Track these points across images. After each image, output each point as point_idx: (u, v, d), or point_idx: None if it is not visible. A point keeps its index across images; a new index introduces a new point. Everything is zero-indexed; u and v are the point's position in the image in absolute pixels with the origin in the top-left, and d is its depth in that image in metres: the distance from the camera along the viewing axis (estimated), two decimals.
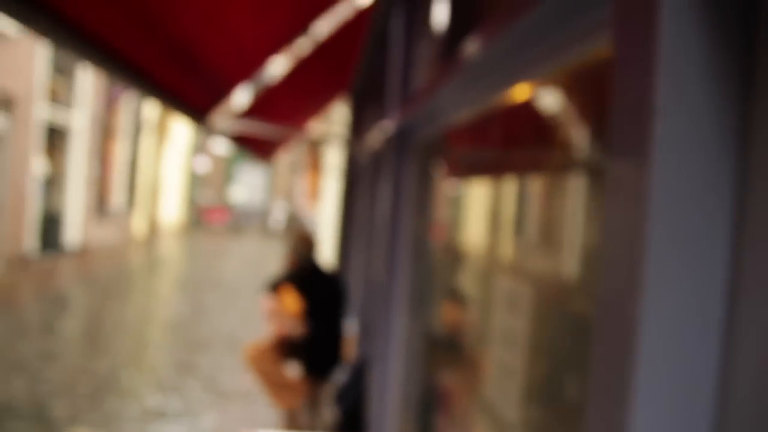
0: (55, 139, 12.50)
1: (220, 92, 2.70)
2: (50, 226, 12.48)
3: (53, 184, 12.64)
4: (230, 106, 3.02)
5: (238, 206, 24.13)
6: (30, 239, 11.48)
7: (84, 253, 13.36)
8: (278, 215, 22.18)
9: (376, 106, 3.63)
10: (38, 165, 11.64)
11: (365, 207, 3.94)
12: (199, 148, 23.41)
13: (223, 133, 3.26)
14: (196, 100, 2.55)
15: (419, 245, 2.36)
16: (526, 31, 0.95)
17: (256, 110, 3.44)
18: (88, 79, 13.36)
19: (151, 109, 17.64)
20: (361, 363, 3.22)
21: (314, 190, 17.28)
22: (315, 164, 17.10)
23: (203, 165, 23.81)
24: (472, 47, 1.19)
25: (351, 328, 4.20)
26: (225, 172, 24.85)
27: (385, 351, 2.38)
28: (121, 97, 15.22)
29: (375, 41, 3.62)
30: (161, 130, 19.05)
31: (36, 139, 11.39)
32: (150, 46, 1.74)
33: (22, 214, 11.12)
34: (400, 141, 2.37)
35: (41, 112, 11.55)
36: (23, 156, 11.00)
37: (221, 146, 23.54)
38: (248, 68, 2.65)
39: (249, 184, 24.97)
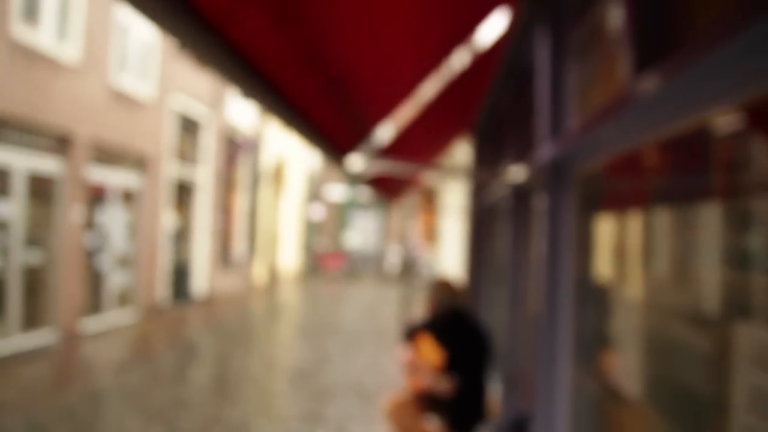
0: (183, 194, 13.29)
1: (361, 131, 2.66)
2: (180, 277, 13.17)
3: (181, 236, 13.39)
4: (367, 146, 2.97)
5: (353, 252, 24.51)
6: (162, 289, 12.14)
7: (210, 301, 13.96)
8: (393, 259, 22.28)
9: (512, 140, 3.48)
10: (168, 219, 12.38)
11: (505, 246, 3.74)
12: (313, 196, 24.13)
13: (359, 174, 3.22)
14: (338, 139, 2.52)
15: (582, 286, 2.14)
16: (719, 64, 0.95)
17: (388, 150, 3.38)
18: (210, 137, 14.18)
19: (268, 160, 18.43)
20: (512, 420, 2.98)
21: (429, 232, 17.20)
22: (429, 206, 17.06)
23: (318, 212, 24.48)
24: (651, 80, 1.16)
25: (494, 380, 3.95)
26: (339, 219, 25.41)
27: (550, 407, 2.16)
28: (240, 154, 16.03)
29: (507, 73, 3.48)
30: (278, 180, 19.84)
31: (166, 195, 12.15)
32: (306, 78, 1.71)
33: (155, 266, 11.80)
34: (554, 175, 2.19)
35: (170, 169, 12.33)
36: (155, 211, 11.74)
37: (335, 193, 24.15)
38: (388, 106, 2.59)
39: (363, 229, 25.36)
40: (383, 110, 2.63)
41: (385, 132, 3.07)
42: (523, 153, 3.14)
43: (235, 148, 15.80)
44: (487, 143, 4.86)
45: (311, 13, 1.37)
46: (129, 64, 10.85)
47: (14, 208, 8.21)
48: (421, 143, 4.38)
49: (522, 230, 3.30)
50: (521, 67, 3.15)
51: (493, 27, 2.70)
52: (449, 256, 8.88)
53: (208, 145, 14.18)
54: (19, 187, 8.27)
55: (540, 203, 2.33)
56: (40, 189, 8.79)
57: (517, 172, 2.94)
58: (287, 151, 20.14)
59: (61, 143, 9.06)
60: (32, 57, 8.25)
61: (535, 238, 2.88)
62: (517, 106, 3.32)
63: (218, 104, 14.35)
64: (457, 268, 7.92)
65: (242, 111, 15.79)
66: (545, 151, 2.21)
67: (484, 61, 3.12)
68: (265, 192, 18.40)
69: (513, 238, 3.34)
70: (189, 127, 13.29)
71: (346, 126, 2.45)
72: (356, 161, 2.80)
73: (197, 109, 13.43)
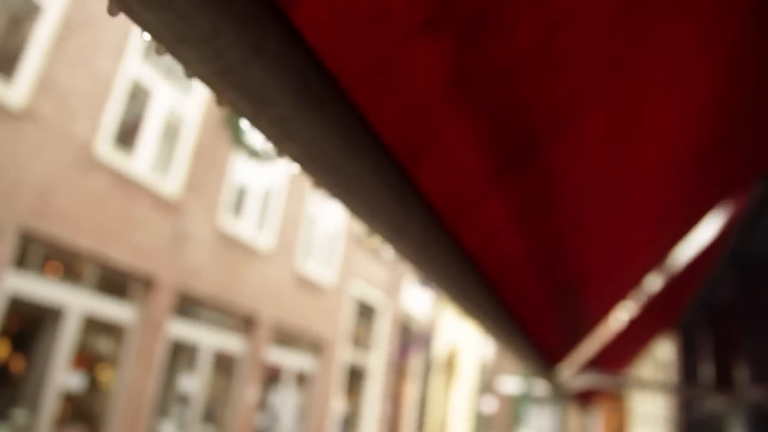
0: (354, 379, 13.07)
1: (572, 342, 2.19)
2: None
3: (349, 422, 12.93)
4: (574, 357, 2.46)
5: None
6: None
7: None
8: None
9: (742, 344, 2.75)
10: (338, 404, 12.08)
11: None
12: (485, 387, 22.82)
13: (565, 387, 2.67)
14: (548, 349, 2.07)
15: None
16: None
17: (590, 361, 2.82)
18: (385, 323, 14.17)
19: (441, 348, 17.93)
20: None
21: None
22: (616, 405, 15.17)
23: (490, 405, 22.93)
24: None
25: None
26: (512, 413, 23.54)
27: None
28: (414, 346, 15.80)
29: (730, 263, 2.87)
30: (449, 369, 19.09)
31: (338, 380, 11.99)
32: (535, 283, 1.36)
33: None
34: None
35: (344, 354, 12.29)
36: (326, 395, 11.53)
37: (508, 385, 22.64)
38: (601, 313, 2.13)
39: (537, 426, 23.15)
40: (595, 318, 2.16)
41: (594, 342, 2.55)
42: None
43: (408, 336, 15.61)
44: (698, 342, 4.05)
45: (555, 214, 1.06)
46: (314, 250, 11.42)
47: (197, 383, 8.42)
48: (620, 348, 3.73)
49: None
50: (751, 256, 2.54)
51: (716, 218, 2.20)
52: None
53: (383, 331, 14.12)
54: (204, 363, 8.54)
55: None
56: (223, 366, 9.02)
57: (756, 391, 2.22)
58: (460, 339, 19.56)
59: (246, 323, 9.42)
60: (233, 244, 8.93)
61: None
62: (747, 301, 2.65)
63: (394, 291, 14.48)
64: None
65: (417, 298, 15.78)
66: None
67: (703, 253, 2.57)
68: (435, 381, 17.67)
69: None
70: (365, 312, 13.42)
71: (559, 336, 2.01)
72: (564, 373, 2.30)
73: (374, 295, 13.62)
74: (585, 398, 4.48)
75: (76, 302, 6.64)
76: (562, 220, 1.17)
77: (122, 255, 7.00)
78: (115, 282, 7.18)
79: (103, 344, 7.15)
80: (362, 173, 0.69)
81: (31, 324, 6.42)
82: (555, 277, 1.46)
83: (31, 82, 6.03)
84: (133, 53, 7.22)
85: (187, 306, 8.32)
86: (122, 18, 7.07)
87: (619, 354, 3.84)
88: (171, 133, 7.97)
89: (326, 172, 0.68)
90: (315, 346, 11.39)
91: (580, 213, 1.21)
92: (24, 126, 5.94)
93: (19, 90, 5.93)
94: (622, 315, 2.51)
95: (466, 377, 20.83)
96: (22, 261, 6.17)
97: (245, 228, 9.35)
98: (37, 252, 6.32)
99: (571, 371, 2.42)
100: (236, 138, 8.77)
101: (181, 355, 8.25)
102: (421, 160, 0.75)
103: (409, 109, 0.68)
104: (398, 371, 15.11)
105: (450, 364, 19.19)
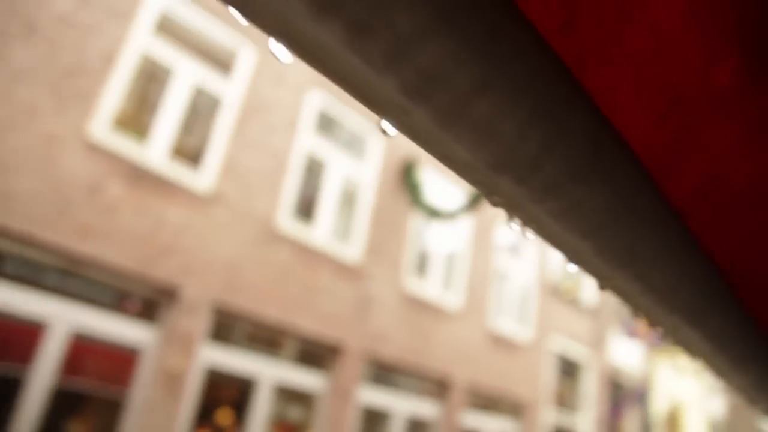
0: None
1: None
2: None
3: None
4: None
5: None
6: None
7: None
8: None
9: None
10: None
11: None
12: None
13: None
14: None
15: None
16: None
17: None
18: (591, 380, 12.54)
19: (659, 405, 15.52)
20: None
21: None
22: None
23: None
24: None
25: None
26: None
27: None
28: (627, 404, 13.81)
29: None
30: (673, 429, 16.45)
31: None
32: None
33: None
34: None
35: (548, 416, 10.98)
36: None
37: None
38: None
39: None
40: None
41: None
42: None
43: (619, 393, 13.68)
44: None
45: None
46: (506, 307, 10.46)
47: None
48: None
49: None
50: None
51: None
52: None
53: (589, 388, 12.50)
54: (397, 429, 7.98)
55: None
56: None
57: None
58: (682, 392, 16.83)
59: (439, 387, 8.73)
60: (419, 306, 8.39)
61: None
62: None
63: (599, 344, 12.83)
64: None
65: (627, 350, 13.85)
66: None
67: None
68: None
69: None
70: (568, 369, 11.99)
71: None
72: None
73: (577, 350, 12.15)
74: None
75: (268, 372, 6.51)
76: None
77: (308, 323, 6.79)
78: (302, 351, 6.99)
79: (296, 412, 6.93)
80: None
81: (242, 394, 6.38)
82: None
83: (216, 168, 6.17)
84: (305, 129, 7.19)
85: (377, 372, 7.89)
86: (291, 97, 7.10)
87: None
88: (348, 200, 7.78)
89: None
90: (515, 408, 10.28)
91: None
92: (212, 209, 6.05)
93: (206, 176, 6.08)
94: None
95: None
96: (216, 334, 6.20)
97: (431, 289, 8.78)
98: (229, 325, 6.33)
99: None
100: (414, 198, 8.35)
101: (374, 422, 7.78)
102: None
103: None
104: None
105: (673, 423, 16.53)
